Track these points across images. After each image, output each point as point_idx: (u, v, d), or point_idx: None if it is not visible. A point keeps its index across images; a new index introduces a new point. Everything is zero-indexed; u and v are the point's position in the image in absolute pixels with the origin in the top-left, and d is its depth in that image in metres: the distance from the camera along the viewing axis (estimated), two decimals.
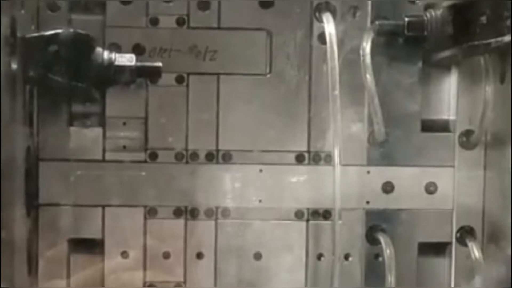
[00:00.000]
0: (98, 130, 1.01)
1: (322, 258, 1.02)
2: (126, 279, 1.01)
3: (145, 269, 1.01)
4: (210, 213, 1.02)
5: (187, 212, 1.01)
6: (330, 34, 0.96)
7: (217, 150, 1.02)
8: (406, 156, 1.02)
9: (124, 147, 1.01)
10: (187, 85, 1.01)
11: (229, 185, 1.02)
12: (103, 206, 1.01)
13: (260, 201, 1.02)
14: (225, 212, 1.02)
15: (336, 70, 0.95)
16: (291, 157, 1.02)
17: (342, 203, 0.97)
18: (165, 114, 1.01)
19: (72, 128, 1.00)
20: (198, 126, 1.01)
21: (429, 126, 1.03)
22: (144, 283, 1.01)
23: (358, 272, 1.02)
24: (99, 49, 0.95)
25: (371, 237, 1.02)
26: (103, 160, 1.01)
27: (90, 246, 1.01)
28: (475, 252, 1.00)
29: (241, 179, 1.02)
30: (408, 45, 0.99)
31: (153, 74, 0.98)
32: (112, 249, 1.01)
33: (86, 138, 1.01)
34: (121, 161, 1.01)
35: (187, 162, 1.01)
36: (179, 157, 1.01)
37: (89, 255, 1.01)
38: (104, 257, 1.01)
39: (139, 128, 1.01)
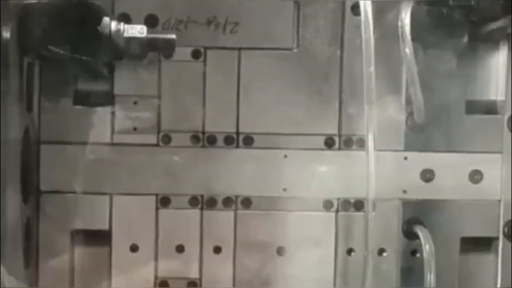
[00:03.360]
0: (106, 110, 0.94)
1: (353, 254, 0.95)
2: (135, 274, 0.94)
3: (156, 264, 0.95)
4: (229, 203, 0.95)
5: (203, 202, 0.94)
6: (364, 4, 0.88)
7: (238, 133, 0.94)
8: (448, 141, 0.95)
9: (135, 128, 0.94)
10: (205, 61, 0.94)
11: (251, 172, 0.94)
12: (111, 195, 0.94)
13: (284, 190, 0.94)
14: (246, 202, 0.95)
15: (371, 44, 0.88)
16: (320, 141, 0.95)
17: (376, 192, 0.89)
18: (180, 93, 0.94)
19: (77, 107, 0.94)
20: (217, 106, 0.94)
21: (474, 108, 0.96)
22: (156, 279, 0.95)
23: (393, 269, 0.95)
24: (106, 19, 0.87)
25: (408, 231, 0.95)
26: (111, 143, 0.94)
27: (96, 238, 0.95)
28: None
29: (264, 166, 0.94)
30: (452, 17, 0.92)
31: (166, 48, 0.91)
32: (120, 241, 0.94)
33: (92, 118, 0.94)
34: (131, 144, 0.94)
35: (203, 146, 0.94)
36: (195, 140, 0.94)
37: (95, 247, 0.95)
38: (112, 250, 0.94)
39: (151, 108, 0.94)
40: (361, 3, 0.89)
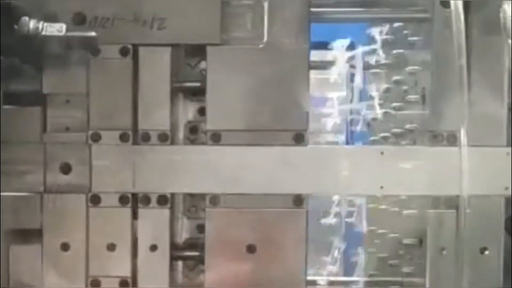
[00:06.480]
0: (36, 109, 0.92)
1: (443, 252, 0.89)
2: (67, 273, 0.93)
3: (87, 262, 0.93)
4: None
5: (137, 200, 0.92)
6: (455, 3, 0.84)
7: (171, 131, 0.92)
8: None
9: (67, 128, 0.92)
10: (133, 58, 0.92)
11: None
12: (41, 193, 0.92)
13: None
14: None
15: (463, 35, 0.83)
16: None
17: (475, 188, 0.84)
18: (109, 91, 0.91)
19: (6, 107, 0.92)
20: (147, 104, 0.91)
21: None
22: (87, 277, 0.92)
23: (496, 268, 0.88)
24: (25, 18, 0.87)
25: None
26: (42, 142, 0.92)
27: (29, 237, 0.93)
28: None
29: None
30: None
31: (87, 45, 0.90)
32: (51, 240, 0.92)
33: (23, 118, 0.92)
34: (61, 143, 0.91)
35: (135, 143, 0.91)
36: (124, 138, 0.91)
37: (28, 246, 0.93)
38: (43, 249, 0.92)
39: (80, 107, 0.92)
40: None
